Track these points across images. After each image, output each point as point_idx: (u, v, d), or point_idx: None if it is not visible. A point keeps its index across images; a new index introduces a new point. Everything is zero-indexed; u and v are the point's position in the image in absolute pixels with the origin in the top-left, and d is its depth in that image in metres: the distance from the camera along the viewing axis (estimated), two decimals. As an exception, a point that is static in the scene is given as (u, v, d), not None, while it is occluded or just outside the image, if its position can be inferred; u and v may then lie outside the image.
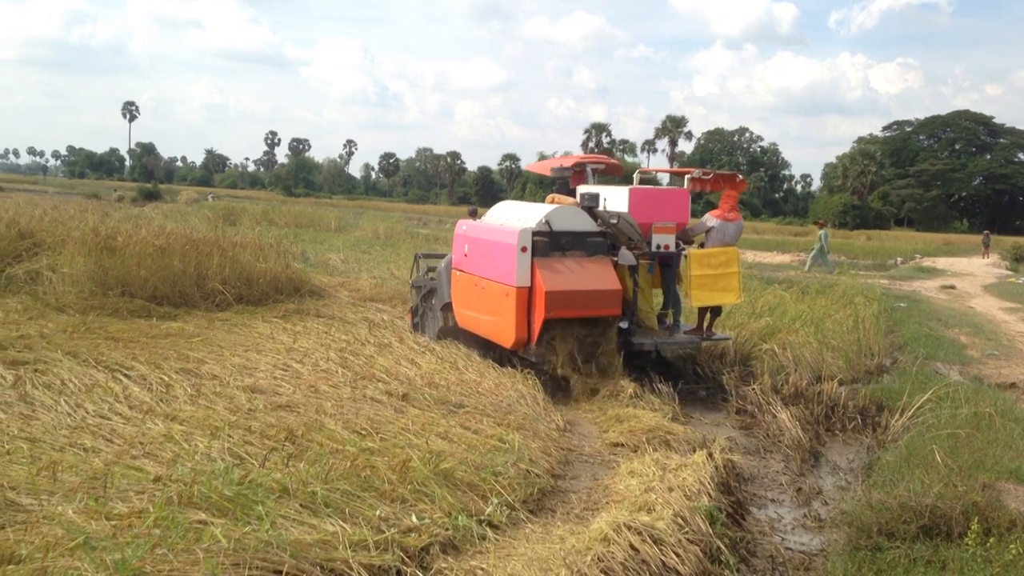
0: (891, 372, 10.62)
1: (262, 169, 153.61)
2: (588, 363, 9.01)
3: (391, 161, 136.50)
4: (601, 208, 9.57)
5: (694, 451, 6.89)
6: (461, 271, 10.19)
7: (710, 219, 9.95)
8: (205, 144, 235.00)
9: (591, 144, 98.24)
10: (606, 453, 7.21)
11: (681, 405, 8.80)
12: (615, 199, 9.78)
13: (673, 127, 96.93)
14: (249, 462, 5.72)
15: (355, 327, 11.40)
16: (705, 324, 10.18)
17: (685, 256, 9.91)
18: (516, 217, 9.70)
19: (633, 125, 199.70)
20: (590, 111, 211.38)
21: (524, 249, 8.93)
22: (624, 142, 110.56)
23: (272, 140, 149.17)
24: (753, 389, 9.12)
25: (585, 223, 9.29)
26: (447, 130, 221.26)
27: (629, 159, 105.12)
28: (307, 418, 6.83)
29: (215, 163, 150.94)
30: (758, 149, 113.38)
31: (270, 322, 11.59)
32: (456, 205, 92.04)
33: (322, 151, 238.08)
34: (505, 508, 5.54)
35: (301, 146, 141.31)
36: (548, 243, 9.04)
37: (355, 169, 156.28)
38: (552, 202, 9.98)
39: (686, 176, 10.19)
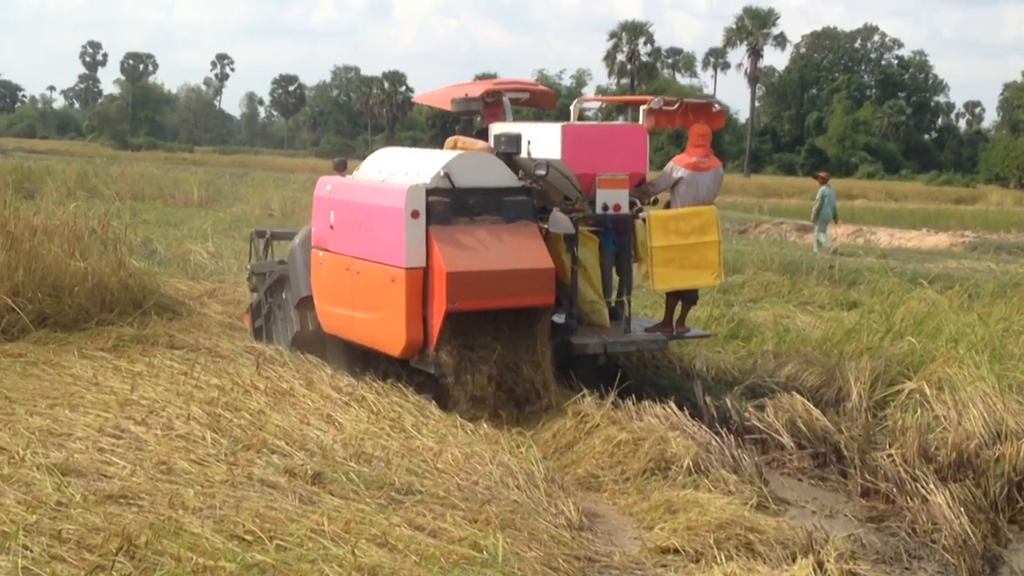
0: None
1: (77, 104, 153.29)
2: (509, 374, 10.08)
3: (291, 90, 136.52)
4: (524, 155, 10.48)
5: (794, 559, 6.90)
6: (325, 250, 11.23)
7: (677, 168, 11.11)
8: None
9: (619, 58, 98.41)
10: (649, 564, 7.21)
11: (770, 483, 8.83)
12: (543, 141, 10.74)
13: (755, 28, 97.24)
14: (59, 590, 5.69)
15: (234, 363, 11.39)
16: (675, 316, 11.40)
17: (643, 220, 10.95)
18: (404, 170, 10.61)
19: (689, 26, 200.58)
20: (618, 3, 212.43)
21: (415, 214, 9.87)
22: (675, 53, 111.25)
23: (93, 56, 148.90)
24: (889, 456, 9.17)
25: (501, 176, 10.34)
26: (382, 37, 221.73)
27: (683, 80, 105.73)
28: (154, 516, 6.79)
29: (0, 96, 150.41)
30: (894, 61, 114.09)
31: (92, 357, 11.56)
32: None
33: (176, 73, 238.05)
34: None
35: (141, 66, 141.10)
36: (449, 205, 10.03)
37: (232, 103, 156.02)
38: (455, 147, 10.91)
39: (642, 107, 11.37)
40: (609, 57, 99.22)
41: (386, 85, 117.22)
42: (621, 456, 9.07)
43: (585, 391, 10.21)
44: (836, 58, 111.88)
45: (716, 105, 11.69)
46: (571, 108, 12.33)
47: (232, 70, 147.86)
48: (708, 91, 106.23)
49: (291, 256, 12.13)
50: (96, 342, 12.31)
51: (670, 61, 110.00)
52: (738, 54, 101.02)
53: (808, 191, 60.59)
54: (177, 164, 61.68)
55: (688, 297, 11.44)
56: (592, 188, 10.63)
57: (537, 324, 10.21)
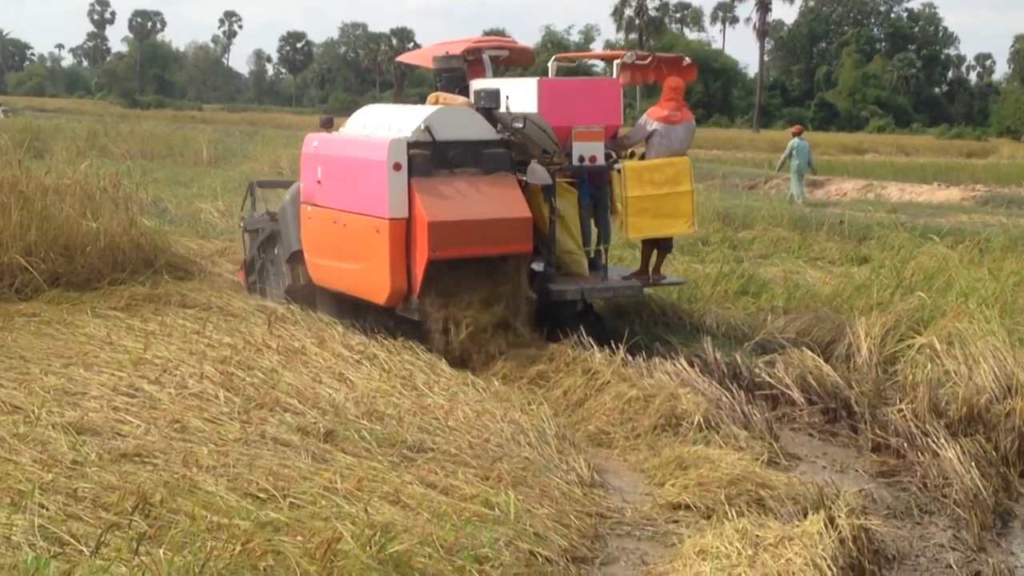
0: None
1: (85, 63, 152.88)
2: (488, 321, 10.57)
3: (299, 47, 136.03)
4: (504, 110, 11.02)
5: (805, 514, 6.91)
6: (313, 205, 11.78)
7: (650, 121, 11.60)
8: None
9: (627, 13, 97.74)
10: (661, 520, 7.25)
11: (781, 439, 8.85)
12: (520, 96, 11.29)
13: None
14: (74, 548, 5.73)
15: (246, 322, 11.42)
16: (651, 264, 11.98)
17: (618, 171, 11.50)
18: (386, 125, 11.20)
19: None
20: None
21: (397, 167, 10.41)
22: (683, 8, 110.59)
23: (101, 14, 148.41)
24: (899, 411, 9.18)
25: (480, 129, 10.89)
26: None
27: (692, 35, 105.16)
28: (169, 474, 6.83)
29: (8, 55, 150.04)
30: (903, 14, 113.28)
31: (105, 316, 11.60)
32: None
33: (184, 31, 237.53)
34: (496, 614, 5.59)
35: (149, 23, 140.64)
36: (430, 158, 10.56)
37: (239, 60, 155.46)
38: (437, 103, 11.41)
39: (615, 62, 12.02)
40: (617, 12, 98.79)
41: (394, 42, 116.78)
42: (632, 413, 9.09)
43: (595, 347, 10.27)
44: (845, 11, 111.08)
45: (687, 59, 12.29)
46: (548, 65, 12.82)
47: (240, 27, 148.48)
48: (716, 46, 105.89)
49: (282, 212, 12.57)
50: (109, 301, 12.35)
51: (678, 16, 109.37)
52: (747, 8, 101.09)
53: (818, 145, 60.37)
54: (186, 122, 61.56)
55: (663, 245, 11.99)
56: (568, 140, 11.03)
57: (516, 271, 10.68)
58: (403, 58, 15.84)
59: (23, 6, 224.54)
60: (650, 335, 11.74)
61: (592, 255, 11.74)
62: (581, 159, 11.09)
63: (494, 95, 11.00)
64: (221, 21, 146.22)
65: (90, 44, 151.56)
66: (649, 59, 12.15)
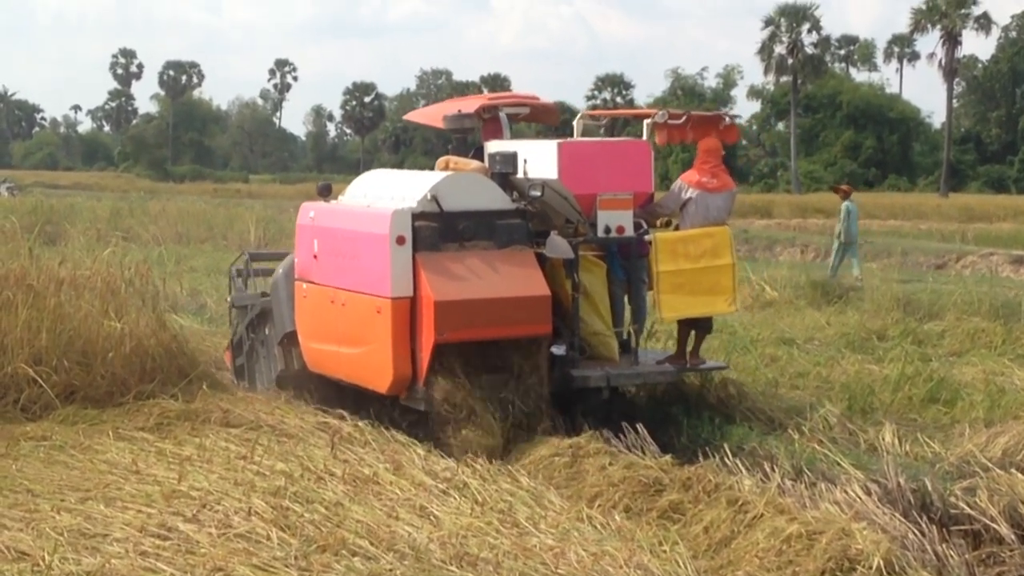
0: None
1: (107, 127, 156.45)
2: (503, 410, 11.19)
3: (368, 102, 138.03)
4: (521, 175, 11.69)
5: None
6: (309, 282, 12.68)
7: (685, 187, 12.50)
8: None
9: (777, 51, 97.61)
10: None
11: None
12: (539, 160, 11.94)
13: (951, 8, 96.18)
14: None
15: (303, 444, 11.47)
16: (689, 347, 12.75)
17: (649, 242, 12.29)
18: (389, 194, 12.02)
19: (866, 8, 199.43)
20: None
21: (401, 240, 11.19)
22: (850, 43, 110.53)
23: (126, 67, 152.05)
24: None
25: (493, 198, 11.68)
26: (478, 32, 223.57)
27: (860, 76, 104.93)
28: (211, 635, 6.87)
29: (14, 120, 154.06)
30: None
31: (130, 439, 11.71)
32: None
33: (226, 86, 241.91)
34: None
35: (184, 78, 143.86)
36: (438, 230, 11.35)
37: (294, 120, 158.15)
38: (447, 168, 12.11)
39: (646, 121, 12.88)
40: (765, 49, 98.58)
41: (485, 91, 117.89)
42: (792, 555, 8.95)
43: (743, 471, 10.20)
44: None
45: (726, 118, 12.99)
46: (574, 124, 13.51)
47: (295, 79, 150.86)
48: (892, 89, 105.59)
49: (274, 288, 13.33)
50: (135, 420, 12.45)
51: (842, 52, 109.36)
52: (929, 41, 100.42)
53: (1024, 213, 59.74)
54: (229, 197, 62.78)
55: (702, 325, 12.83)
56: (593, 209, 11.67)
57: (533, 356, 11.43)
58: (410, 116, 16.60)
59: (32, 62, 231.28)
60: (813, 455, 11.63)
61: (624, 336, 12.32)
62: (607, 230, 11.82)
63: (511, 159, 11.66)
64: (272, 72, 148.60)
65: (112, 104, 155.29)
66: (683, 118, 12.94)
